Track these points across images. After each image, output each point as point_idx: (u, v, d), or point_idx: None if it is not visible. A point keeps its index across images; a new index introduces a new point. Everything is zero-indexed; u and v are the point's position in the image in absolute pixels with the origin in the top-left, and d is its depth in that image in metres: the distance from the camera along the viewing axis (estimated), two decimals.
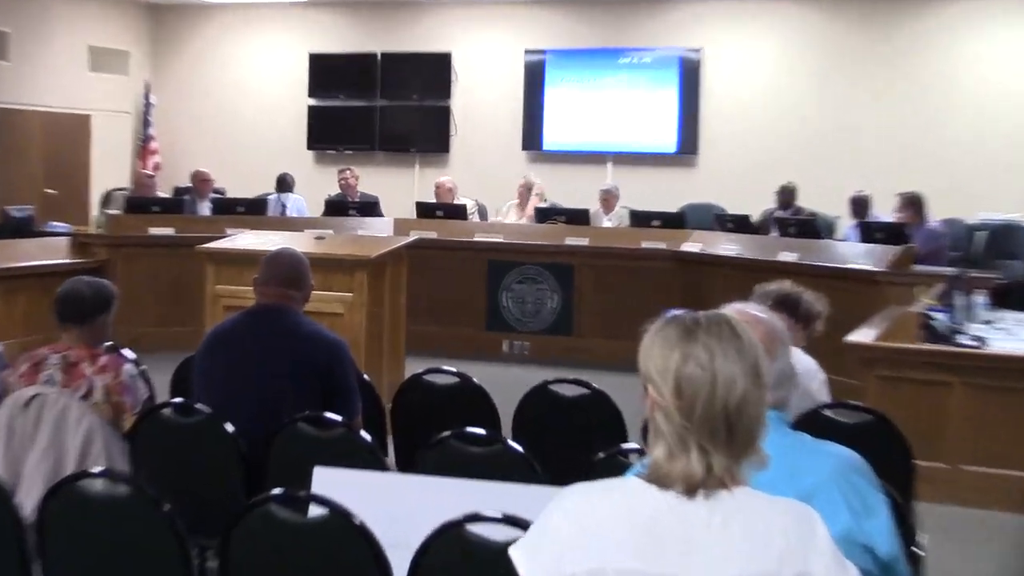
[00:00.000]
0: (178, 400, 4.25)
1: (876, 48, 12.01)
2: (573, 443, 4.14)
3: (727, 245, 8.85)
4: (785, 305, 4.19)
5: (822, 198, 10.98)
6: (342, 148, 13.72)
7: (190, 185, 10.97)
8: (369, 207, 10.34)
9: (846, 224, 10.14)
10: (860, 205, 9.83)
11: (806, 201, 10.72)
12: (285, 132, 13.90)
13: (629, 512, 1.89)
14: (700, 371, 1.88)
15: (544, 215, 10.02)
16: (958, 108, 11.70)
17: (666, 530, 1.86)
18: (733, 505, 1.87)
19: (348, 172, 11.22)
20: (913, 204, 9.04)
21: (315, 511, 2.85)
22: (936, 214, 9.37)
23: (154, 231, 9.28)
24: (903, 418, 5.38)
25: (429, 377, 4.68)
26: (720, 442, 1.87)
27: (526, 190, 10.66)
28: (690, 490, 1.86)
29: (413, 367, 5.37)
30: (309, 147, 13.84)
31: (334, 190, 11.35)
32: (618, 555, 1.86)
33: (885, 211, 9.93)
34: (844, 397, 5.48)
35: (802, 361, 4.08)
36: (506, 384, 7.34)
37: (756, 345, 1.94)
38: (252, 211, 9.78)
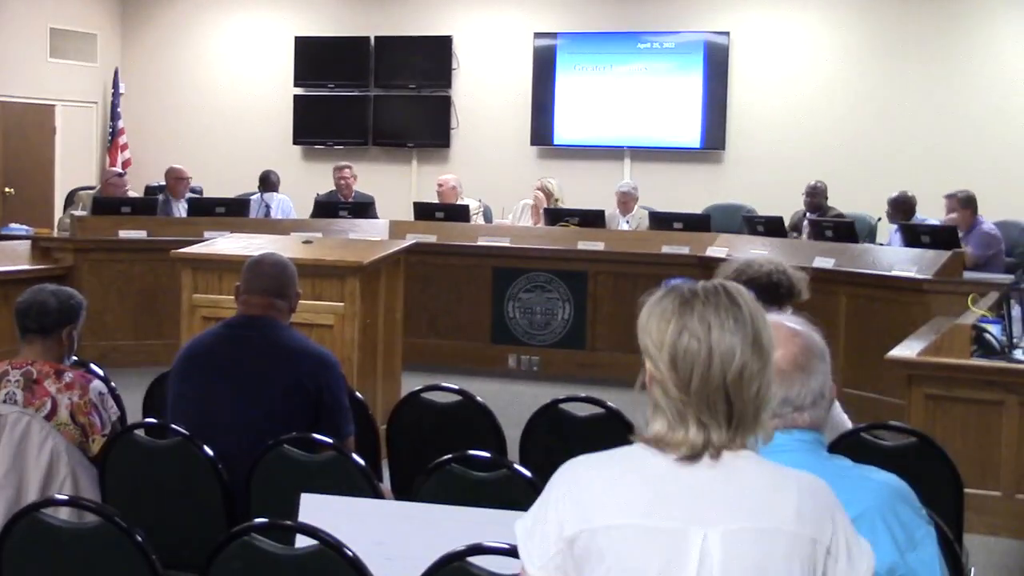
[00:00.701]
0: (151, 420, 4.27)
1: (922, 32, 12.01)
2: None
3: (757, 250, 8.84)
4: (765, 291, 4.13)
5: (862, 198, 10.99)
6: (331, 142, 13.76)
7: (163, 183, 11.00)
8: (362, 208, 10.37)
9: (889, 226, 10.15)
10: (902, 206, 9.84)
11: (844, 201, 10.71)
12: (268, 125, 13.93)
13: (633, 474, 2.01)
14: (696, 343, 1.98)
15: (555, 217, 10.03)
16: (1012, 99, 11.69)
17: (672, 487, 1.97)
18: (741, 465, 1.99)
19: (348, 170, 11.23)
20: (970, 204, 9.08)
21: (302, 542, 2.86)
22: (987, 216, 9.39)
23: (124, 234, 9.31)
24: (951, 441, 5.41)
25: (428, 395, 4.69)
26: (720, 416, 1.98)
27: (545, 195, 10.60)
28: (693, 457, 1.98)
29: (410, 384, 5.38)
30: (295, 141, 13.87)
31: (322, 189, 11.38)
32: (625, 513, 1.97)
33: (928, 213, 9.94)
34: (886, 417, 5.51)
35: None
36: (513, 403, 7.40)
37: (758, 314, 2.03)
38: (233, 212, 9.80)
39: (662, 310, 2.03)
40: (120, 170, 12.47)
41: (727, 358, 1.98)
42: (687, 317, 2.00)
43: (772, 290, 4.10)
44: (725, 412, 1.98)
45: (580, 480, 2.04)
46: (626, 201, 10.60)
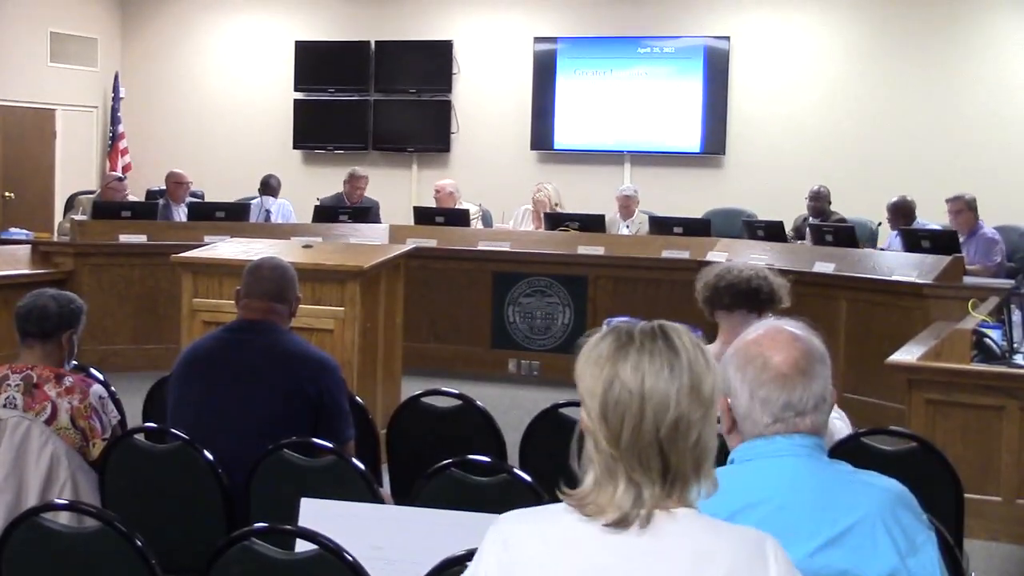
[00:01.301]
0: (151, 425, 4.28)
1: (922, 36, 12.01)
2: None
3: (757, 255, 8.85)
4: (745, 296, 4.13)
5: (862, 202, 10.99)
6: (332, 147, 13.76)
7: (164, 188, 11.01)
8: (362, 213, 10.36)
9: (890, 231, 10.15)
10: (902, 210, 9.84)
11: (845, 205, 10.72)
12: (269, 129, 13.94)
13: (556, 545, 1.91)
14: (628, 395, 1.88)
15: (555, 221, 10.03)
16: (1014, 104, 11.69)
17: (598, 560, 1.87)
18: (673, 531, 1.87)
19: (363, 181, 11.16)
20: (972, 208, 9.10)
21: (302, 547, 2.86)
22: (986, 220, 9.39)
23: (125, 239, 9.31)
24: (952, 446, 5.41)
25: (428, 399, 4.69)
26: (653, 472, 1.87)
27: (547, 201, 10.58)
28: (619, 523, 1.86)
29: (410, 388, 5.38)
30: (295, 146, 13.87)
31: (323, 193, 11.38)
32: None
33: (930, 218, 9.93)
34: (886, 422, 5.51)
35: None
36: (513, 407, 7.40)
37: (698, 359, 1.92)
38: (233, 216, 9.81)
39: (596, 355, 1.93)
40: (120, 174, 12.48)
41: (660, 410, 1.87)
42: (620, 364, 1.89)
43: (752, 295, 4.11)
44: (659, 468, 1.87)
45: (511, 542, 1.95)
46: (627, 205, 10.60)
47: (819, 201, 10.39)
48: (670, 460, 1.87)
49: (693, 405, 1.89)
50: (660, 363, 1.89)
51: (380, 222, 10.75)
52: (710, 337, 4.35)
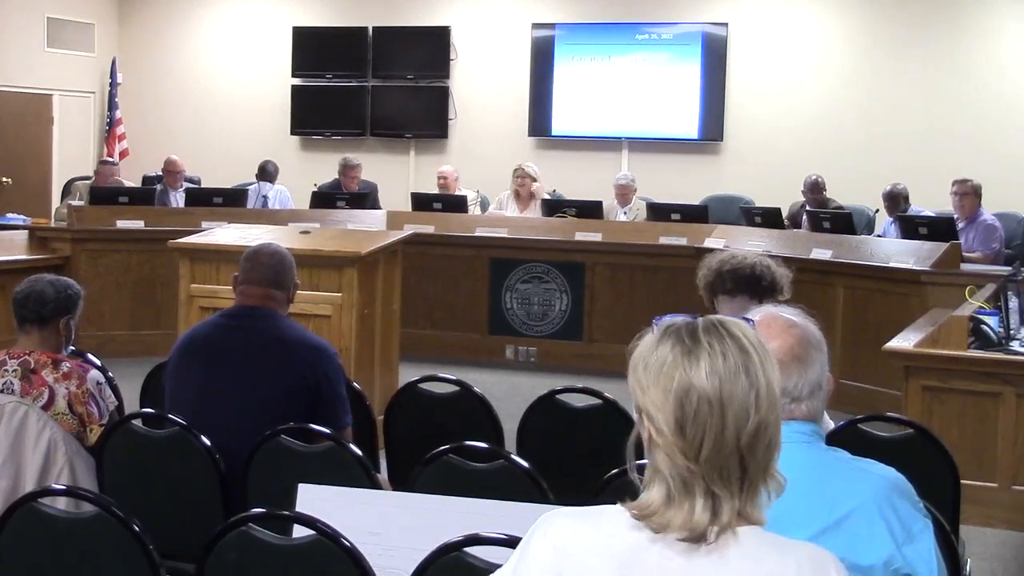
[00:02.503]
0: (149, 411, 4.28)
1: (921, 22, 11.99)
2: (583, 458, 4.16)
3: (754, 241, 8.86)
4: (747, 283, 4.13)
5: (860, 189, 10.98)
6: (329, 133, 13.74)
7: (161, 173, 11.00)
8: (360, 198, 10.35)
9: (886, 218, 10.15)
10: (896, 199, 9.84)
11: (842, 192, 10.72)
12: (266, 115, 13.91)
13: (613, 553, 1.78)
14: (707, 406, 1.73)
15: (552, 208, 10.03)
16: (1013, 91, 11.68)
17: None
18: (737, 553, 1.75)
19: (358, 169, 11.16)
20: (977, 194, 9.08)
21: (300, 532, 2.86)
22: (986, 207, 9.38)
23: (122, 224, 9.31)
24: (949, 432, 5.43)
25: (426, 386, 4.69)
26: (733, 483, 1.75)
27: (528, 180, 10.55)
28: (692, 539, 1.75)
29: (408, 375, 5.38)
30: (292, 132, 13.84)
31: (320, 179, 11.37)
32: None
33: (928, 205, 9.93)
34: (883, 409, 5.52)
35: None
36: (510, 393, 7.41)
37: (766, 356, 1.79)
38: (230, 202, 9.80)
39: (660, 362, 1.77)
40: (110, 158, 12.44)
41: (741, 418, 1.73)
42: (693, 371, 1.74)
43: (755, 282, 4.11)
44: (739, 477, 1.75)
45: (562, 548, 1.81)
46: (624, 193, 10.60)
47: (816, 192, 10.35)
48: (748, 468, 1.75)
49: (771, 407, 1.77)
50: (735, 366, 1.75)
51: (379, 205, 10.75)
52: None
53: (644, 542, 1.77)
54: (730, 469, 1.73)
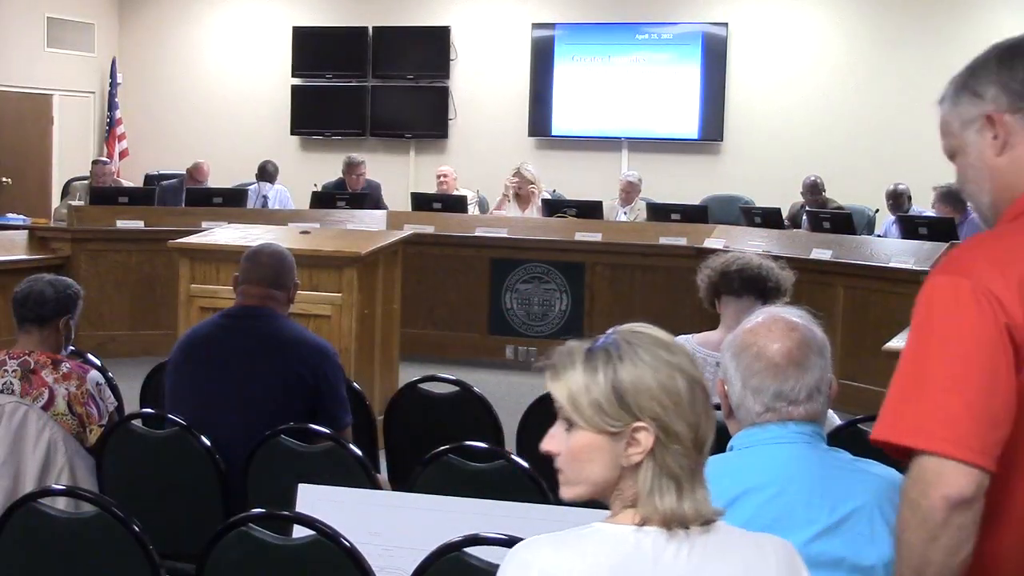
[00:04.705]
0: (149, 411, 4.28)
1: (921, 22, 12.00)
2: None
3: (754, 241, 8.86)
4: (752, 283, 4.13)
5: (861, 190, 10.99)
6: (329, 133, 13.74)
7: (162, 172, 11.03)
8: (360, 198, 10.35)
9: (887, 218, 10.16)
10: (899, 198, 9.84)
11: (842, 193, 10.72)
12: (266, 115, 13.91)
13: (601, 569, 1.77)
14: (703, 394, 1.84)
15: (553, 208, 10.03)
16: None
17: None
18: (717, 540, 1.82)
19: (362, 167, 11.14)
20: (951, 198, 9.01)
21: (300, 532, 2.86)
22: None
23: (122, 224, 9.30)
24: None
25: (425, 386, 4.69)
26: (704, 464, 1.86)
27: (524, 182, 10.54)
28: (704, 520, 1.81)
29: (408, 375, 5.39)
30: (292, 132, 13.85)
31: (320, 179, 11.37)
32: None
33: (928, 204, 9.93)
34: None
35: None
36: (510, 393, 7.40)
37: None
38: (230, 202, 9.80)
39: (654, 363, 1.83)
40: (102, 158, 12.44)
41: (710, 400, 1.87)
42: (683, 361, 1.84)
43: (761, 283, 4.11)
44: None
45: (547, 570, 1.77)
46: (629, 191, 10.61)
47: (815, 193, 10.34)
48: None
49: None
50: (686, 352, 1.88)
51: (383, 203, 10.74)
52: (712, 325, 4.35)
53: (636, 547, 1.78)
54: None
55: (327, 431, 3.84)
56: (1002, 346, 1.83)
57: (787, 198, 10.65)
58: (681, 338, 2.57)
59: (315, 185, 11.12)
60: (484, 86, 13.34)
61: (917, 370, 1.91)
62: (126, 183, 11.38)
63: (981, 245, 2.03)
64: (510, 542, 2.53)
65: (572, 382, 1.85)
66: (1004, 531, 1.91)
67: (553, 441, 1.89)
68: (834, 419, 3.84)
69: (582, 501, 1.92)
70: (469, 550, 2.61)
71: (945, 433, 1.83)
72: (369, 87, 13.63)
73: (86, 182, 10.74)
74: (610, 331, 1.90)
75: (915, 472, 1.86)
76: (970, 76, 2.10)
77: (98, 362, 4.47)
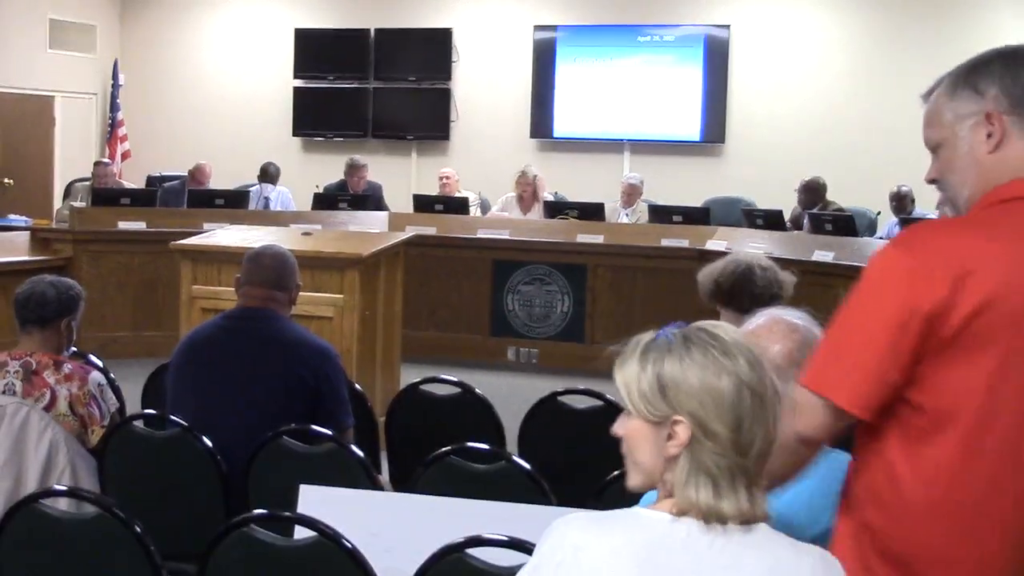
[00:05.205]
0: (151, 412, 4.28)
1: (924, 24, 11.99)
2: (584, 460, 4.16)
3: (756, 243, 8.85)
4: (746, 298, 4.06)
5: (864, 192, 10.99)
6: (331, 135, 13.75)
7: (164, 175, 11.03)
8: (362, 200, 10.35)
9: (889, 220, 10.15)
10: (902, 200, 9.84)
11: (845, 195, 10.71)
12: (268, 117, 13.92)
13: (634, 549, 1.84)
14: (758, 400, 1.86)
15: (554, 210, 10.04)
16: None
17: (677, 569, 1.83)
18: (755, 540, 1.86)
19: (364, 169, 11.15)
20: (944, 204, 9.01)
21: (301, 533, 2.87)
22: None
23: (124, 225, 9.30)
24: None
25: (427, 387, 4.70)
26: (761, 476, 1.88)
27: (529, 185, 10.54)
28: (744, 520, 1.85)
29: (410, 376, 5.39)
30: (294, 133, 13.86)
31: (322, 181, 11.37)
32: None
33: (932, 208, 9.93)
34: None
35: None
36: (512, 395, 7.40)
37: (752, 350, 1.92)
38: (232, 204, 9.80)
39: (703, 361, 1.88)
40: (104, 159, 12.44)
41: (773, 409, 1.88)
42: (738, 365, 1.87)
43: (752, 292, 4.09)
44: (764, 464, 1.89)
45: (581, 544, 1.86)
46: (631, 193, 10.61)
47: (811, 194, 10.30)
48: (767, 459, 1.89)
49: (776, 398, 1.90)
50: (758, 357, 1.90)
51: (385, 205, 10.74)
52: None
53: (668, 533, 1.84)
54: (763, 461, 1.87)
55: (328, 433, 3.84)
56: (912, 330, 1.99)
57: (789, 200, 10.64)
58: None
59: (317, 187, 11.12)
60: (486, 88, 13.34)
61: (838, 331, 2.08)
62: (128, 184, 11.36)
63: (942, 228, 2.19)
64: (512, 543, 2.54)
65: (628, 370, 1.96)
66: (993, 534, 2.02)
67: (618, 425, 1.98)
68: None
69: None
70: (471, 551, 2.61)
71: (838, 383, 2.03)
72: (371, 89, 13.64)
73: (88, 183, 10.73)
74: (675, 324, 1.97)
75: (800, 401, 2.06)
76: (971, 73, 2.21)
77: (100, 363, 4.48)
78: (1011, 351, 1.98)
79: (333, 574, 2.77)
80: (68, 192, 11.62)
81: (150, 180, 12.05)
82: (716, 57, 12.58)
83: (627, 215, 10.47)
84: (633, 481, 1.96)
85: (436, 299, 9.46)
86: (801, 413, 2.05)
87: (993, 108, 2.12)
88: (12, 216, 10.58)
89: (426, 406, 4.65)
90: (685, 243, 9.24)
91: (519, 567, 2.00)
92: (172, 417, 4.00)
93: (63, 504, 3.34)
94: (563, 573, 1.84)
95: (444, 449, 3.55)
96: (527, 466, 3.44)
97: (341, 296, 6.33)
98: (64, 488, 3.55)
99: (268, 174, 11.27)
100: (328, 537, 2.76)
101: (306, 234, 7.27)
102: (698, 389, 1.86)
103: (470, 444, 3.59)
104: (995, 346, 1.98)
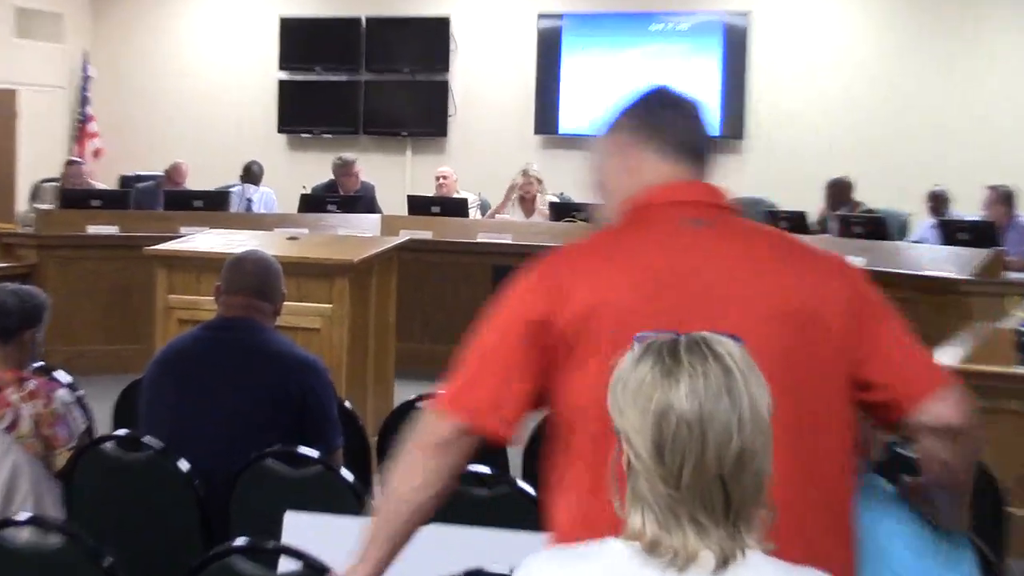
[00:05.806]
0: (122, 432, 4.26)
1: (958, 12, 12.00)
2: None
3: None
4: None
5: (893, 191, 10.97)
6: (319, 131, 13.76)
7: (139, 174, 11.03)
8: (352, 202, 10.34)
9: (921, 222, 10.14)
10: (938, 200, 9.83)
11: (875, 195, 10.70)
12: (251, 112, 13.93)
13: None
14: (687, 429, 1.76)
15: (560, 212, 10.02)
16: None
17: None
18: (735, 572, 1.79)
19: (354, 166, 11.13)
20: (1006, 200, 9.03)
21: (286, 565, 2.85)
22: None
23: (93, 230, 9.30)
24: (994, 457, 5.36)
25: (423, 405, 4.67)
26: (718, 511, 1.77)
27: (531, 185, 10.54)
28: (691, 564, 1.78)
29: (403, 393, 5.37)
30: (280, 130, 13.88)
31: (307, 181, 11.37)
32: None
33: (967, 209, 9.92)
34: None
35: None
36: None
37: (751, 375, 1.81)
38: (212, 206, 9.81)
39: (639, 382, 1.80)
40: (77, 158, 12.44)
41: (723, 442, 1.76)
42: (672, 392, 1.77)
43: None
44: (722, 504, 1.77)
45: None
46: None
47: (838, 193, 10.28)
48: (732, 496, 1.77)
49: (756, 431, 1.78)
50: (717, 386, 1.78)
51: (377, 207, 10.73)
52: None
53: (631, 570, 1.79)
54: (712, 496, 1.77)
55: (316, 454, 3.82)
56: (527, 342, 2.38)
57: (813, 200, 10.64)
58: None
59: (304, 187, 11.12)
60: (486, 81, 13.36)
61: (468, 350, 2.50)
62: (99, 185, 11.37)
63: (585, 244, 2.54)
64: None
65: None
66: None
67: None
68: None
69: None
70: None
71: (453, 398, 2.48)
72: (362, 82, 13.66)
73: (55, 184, 10.73)
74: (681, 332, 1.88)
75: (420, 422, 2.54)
76: None
77: (67, 379, 4.46)
78: (607, 361, 1.96)
79: None
80: (34, 193, 11.62)
81: (123, 180, 12.06)
82: (734, 47, 12.59)
83: None
84: None
85: (432, 308, 9.45)
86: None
87: None
88: None
89: None
90: None
91: None
92: (146, 438, 3.98)
93: (25, 534, 3.31)
94: None
95: None
96: (531, 490, 3.43)
97: (330, 306, 6.33)
98: (26, 516, 3.53)
99: (251, 174, 11.28)
100: (315, 569, 2.75)
101: (292, 239, 7.28)
102: (632, 399, 1.81)
103: (470, 467, 3.56)
104: (597, 356, 2.14)
